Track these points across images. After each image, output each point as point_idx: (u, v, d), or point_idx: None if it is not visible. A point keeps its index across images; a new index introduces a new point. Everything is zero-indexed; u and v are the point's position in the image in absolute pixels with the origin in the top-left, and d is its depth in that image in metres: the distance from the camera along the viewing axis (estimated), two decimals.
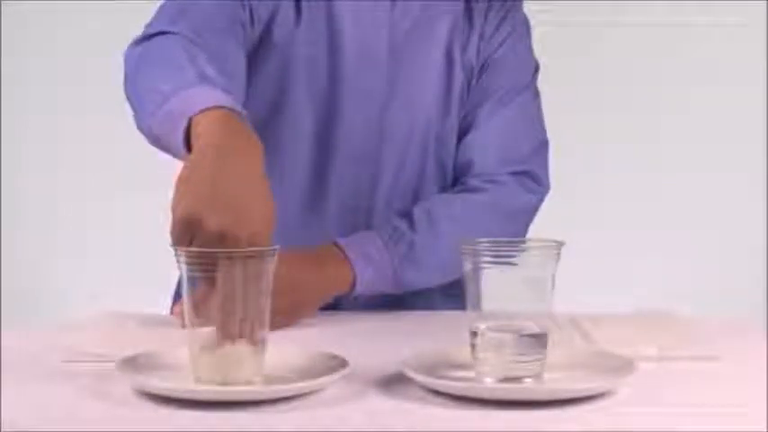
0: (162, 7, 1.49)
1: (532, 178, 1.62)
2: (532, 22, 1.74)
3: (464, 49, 1.63)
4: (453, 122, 1.63)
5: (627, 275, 2.99)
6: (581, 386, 1.03)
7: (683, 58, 3.11)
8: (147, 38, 1.41)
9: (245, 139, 1.17)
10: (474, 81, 1.64)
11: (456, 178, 1.64)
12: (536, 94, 1.69)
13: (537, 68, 1.70)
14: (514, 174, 1.61)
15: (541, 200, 1.64)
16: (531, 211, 1.63)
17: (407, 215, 1.55)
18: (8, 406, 0.99)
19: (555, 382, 1.04)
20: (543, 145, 1.67)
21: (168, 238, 1.11)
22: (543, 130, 1.68)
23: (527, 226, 1.63)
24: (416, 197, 1.61)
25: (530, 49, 1.70)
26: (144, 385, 1.02)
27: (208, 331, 1.04)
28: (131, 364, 1.06)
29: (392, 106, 1.59)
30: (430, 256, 1.52)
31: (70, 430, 0.93)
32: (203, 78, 1.28)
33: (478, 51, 1.63)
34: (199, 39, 1.39)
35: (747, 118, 3.12)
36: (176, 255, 1.06)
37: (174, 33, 1.39)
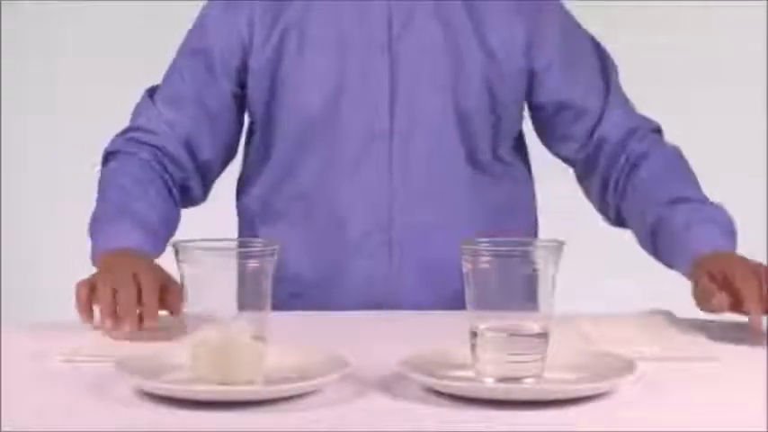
0: (138, 109, 1.72)
1: (657, 131, 1.79)
2: None
3: (483, 37, 1.63)
4: (476, 103, 1.64)
5: (627, 275, 2.98)
6: (581, 386, 1.03)
7: (683, 58, 3.11)
8: (113, 154, 1.69)
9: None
10: (533, 78, 1.68)
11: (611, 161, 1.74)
12: (613, 66, 1.82)
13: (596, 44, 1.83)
14: (654, 131, 1.78)
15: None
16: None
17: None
18: (8, 406, 0.99)
19: (555, 383, 1.04)
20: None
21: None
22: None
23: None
24: (432, 169, 1.63)
25: (581, 29, 1.84)
26: (144, 385, 1.02)
27: (208, 331, 1.04)
28: (131, 364, 1.06)
29: (397, 90, 1.62)
30: None
31: (70, 430, 0.93)
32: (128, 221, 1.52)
33: (511, 45, 1.66)
34: (157, 163, 1.63)
35: (748, 118, 3.12)
36: (176, 254, 1.06)
37: (134, 153, 1.66)
